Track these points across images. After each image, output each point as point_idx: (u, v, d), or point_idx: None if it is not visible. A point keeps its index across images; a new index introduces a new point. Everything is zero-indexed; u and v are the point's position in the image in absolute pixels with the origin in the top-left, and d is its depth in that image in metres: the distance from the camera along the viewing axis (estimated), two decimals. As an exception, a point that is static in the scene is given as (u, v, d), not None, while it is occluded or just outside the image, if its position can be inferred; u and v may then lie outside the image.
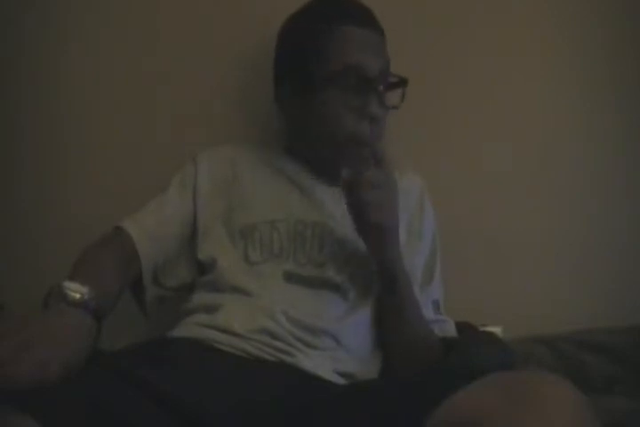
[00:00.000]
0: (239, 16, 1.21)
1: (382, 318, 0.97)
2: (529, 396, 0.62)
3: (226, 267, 0.97)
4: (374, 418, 0.73)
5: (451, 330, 1.03)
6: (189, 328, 0.93)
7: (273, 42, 1.07)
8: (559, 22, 1.24)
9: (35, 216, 1.22)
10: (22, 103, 1.22)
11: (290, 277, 0.95)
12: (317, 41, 1.01)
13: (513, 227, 1.24)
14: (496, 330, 1.16)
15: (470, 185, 1.23)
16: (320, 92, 1.00)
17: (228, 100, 1.23)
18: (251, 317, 0.90)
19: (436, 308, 1.04)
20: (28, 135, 1.23)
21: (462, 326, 1.05)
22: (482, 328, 1.11)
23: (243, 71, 1.21)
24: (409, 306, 0.95)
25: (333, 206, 1.01)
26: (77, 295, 0.77)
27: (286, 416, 0.77)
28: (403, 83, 1.04)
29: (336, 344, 0.92)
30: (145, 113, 1.22)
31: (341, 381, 0.89)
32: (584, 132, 1.26)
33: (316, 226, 0.99)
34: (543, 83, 1.24)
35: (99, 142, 1.22)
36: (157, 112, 1.22)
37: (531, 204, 1.25)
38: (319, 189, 1.03)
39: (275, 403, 0.78)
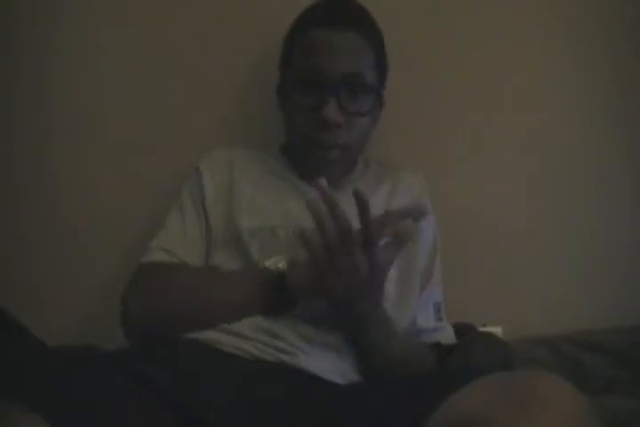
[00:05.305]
0: (239, 16, 1.21)
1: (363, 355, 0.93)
2: (529, 396, 0.62)
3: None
4: (374, 418, 0.73)
5: (450, 337, 1.02)
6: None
7: (274, 42, 1.07)
8: (559, 22, 1.24)
9: (35, 216, 1.22)
10: (22, 103, 1.22)
11: None
12: (290, 43, 1.03)
13: (513, 227, 1.24)
14: (496, 330, 1.16)
15: (470, 185, 1.23)
16: (286, 95, 1.02)
17: (228, 101, 1.23)
18: (252, 316, 0.90)
19: (438, 310, 1.03)
20: (27, 135, 1.22)
21: (462, 327, 1.05)
22: (482, 329, 1.11)
23: (243, 71, 1.21)
24: (391, 344, 0.92)
25: None
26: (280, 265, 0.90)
27: (287, 417, 0.77)
28: (372, 90, 1.00)
29: (338, 346, 0.92)
30: (145, 113, 1.22)
31: (342, 381, 0.89)
32: (584, 133, 1.25)
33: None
34: (543, 83, 1.24)
35: (99, 142, 1.22)
36: (157, 112, 1.22)
37: (531, 203, 1.25)
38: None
39: (275, 403, 0.78)
